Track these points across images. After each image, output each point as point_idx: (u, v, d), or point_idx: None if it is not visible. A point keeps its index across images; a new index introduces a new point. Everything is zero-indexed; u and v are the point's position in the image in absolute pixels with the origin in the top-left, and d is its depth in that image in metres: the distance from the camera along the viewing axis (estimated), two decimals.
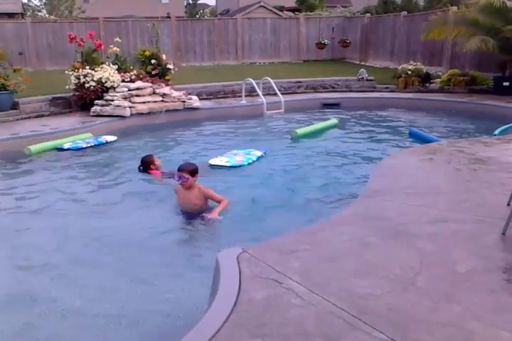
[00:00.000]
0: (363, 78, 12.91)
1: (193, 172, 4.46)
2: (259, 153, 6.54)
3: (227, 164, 6.06)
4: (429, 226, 3.39)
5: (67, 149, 7.18)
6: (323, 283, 2.57)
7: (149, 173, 5.82)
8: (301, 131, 8.14)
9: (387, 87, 12.53)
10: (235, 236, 4.07)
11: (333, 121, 9.04)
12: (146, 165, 5.81)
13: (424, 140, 7.07)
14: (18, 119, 8.76)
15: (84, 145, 7.35)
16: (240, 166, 6.05)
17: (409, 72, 12.10)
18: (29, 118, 8.93)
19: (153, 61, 10.53)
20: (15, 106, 8.96)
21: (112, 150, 7.40)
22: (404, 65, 12.54)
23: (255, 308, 2.33)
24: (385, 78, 12.90)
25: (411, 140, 7.68)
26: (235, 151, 6.62)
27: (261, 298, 2.41)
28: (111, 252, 3.91)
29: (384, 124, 9.33)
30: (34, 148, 6.97)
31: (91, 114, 9.12)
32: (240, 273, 2.63)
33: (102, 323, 2.90)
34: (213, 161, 6.12)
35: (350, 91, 12.69)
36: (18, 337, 2.85)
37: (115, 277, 3.48)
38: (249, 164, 6.15)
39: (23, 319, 2.98)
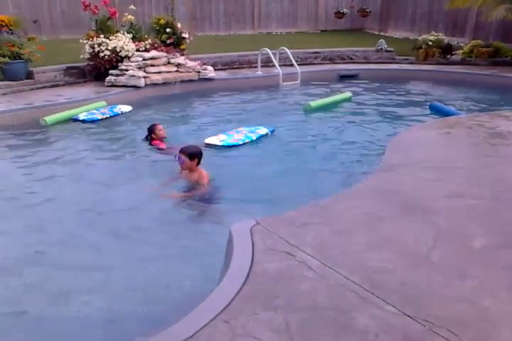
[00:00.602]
0: (382, 49, 12.57)
1: (192, 155, 4.42)
2: (263, 131, 6.29)
3: (220, 143, 5.87)
4: (445, 201, 3.35)
5: (83, 120, 7.17)
6: (336, 256, 2.57)
7: (151, 144, 5.91)
8: (314, 103, 8.01)
9: (406, 59, 12.19)
10: (248, 210, 4.06)
11: (348, 94, 8.87)
12: (149, 134, 5.96)
13: (445, 114, 6.90)
14: (33, 89, 8.74)
15: (100, 117, 7.32)
16: (233, 146, 5.84)
17: (430, 43, 11.72)
18: (44, 87, 8.91)
19: (168, 30, 10.34)
20: (30, 75, 8.92)
21: (126, 121, 7.38)
22: (425, 36, 12.12)
23: (268, 281, 2.34)
24: (404, 49, 12.54)
25: (431, 113, 7.51)
26: (241, 128, 6.41)
27: (274, 270, 2.42)
28: (119, 222, 3.94)
29: (402, 97, 9.13)
30: (50, 118, 6.96)
31: (105, 84, 9.06)
32: (252, 246, 2.64)
33: (111, 295, 2.97)
34: (208, 140, 5.95)
35: (369, 62, 12.37)
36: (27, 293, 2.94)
37: (122, 247, 3.53)
38: (244, 144, 5.90)
39: (32, 279, 3.07)
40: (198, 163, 4.48)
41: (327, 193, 4.01)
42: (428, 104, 7.95)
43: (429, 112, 7.65)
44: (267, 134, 6.29)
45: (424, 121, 6.79)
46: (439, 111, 7.28)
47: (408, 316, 2.09)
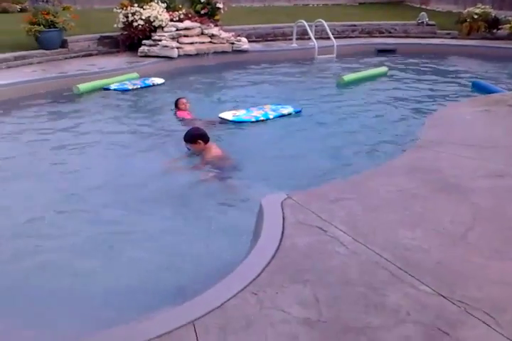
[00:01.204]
0: (423, 23, 12.08)
1: (192, 139, 4.43)
2: (286, 111, 5.99)
3: (231, 118, 5.69)
4: (484, 180, 3.20)
5: (114, 90, 7.20)
6: (369, 233, 2.49)
7: (176, 115, 5.94)
8: (348, 77, 7.79)
9: (448, 33, 11.69)
10: (276, 184, 3.98)
11: (383, 68, 8.59)
12: (175, 106, 6.02)
13: (489, 93, 6.58)
14: (66, 58, 8.80)
15: (131, 87, 7.35)
16: (243, 122, 5.63)
17: (476, 17, 11.17)
18: (77, 57, 8.96)
19: (202, 0, 10.17)
20: (64, 44, 8.98)
21: (156, 92, 7.38)
22: (470, 9, 11.55)
23: (298, 254, 2.30)
24: (447, 23, 12.02)
25: (473, 91, 7.19)
26: (267, 106, 6.16)
27: (304, 244, 2.37)
28: (141, 193, 3.95)
29: (442, 73, 8.77)
30: (83, 87, 7.04)
31: (138, 54, 9.04)
32: (283, 219, 2.59)
33: (137, 265, 2.99)
34: (222, 114, 5.80)
35: (408, 36, 11.95)
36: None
37: (152, 216, 3.54)
38: (257, 121, 5.67)
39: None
40: (206, 142, 4.44)
41: (360, 169, 3.91)
42: (470, 81, 7.61)
43: (470, 90, 7.32)
44: (289, 114, 6.00)
45: (464, 98, 6.51)
46: (482, 90, 6.94)
47: (443, 296, 2.02)
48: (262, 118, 5.77)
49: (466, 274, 2.19)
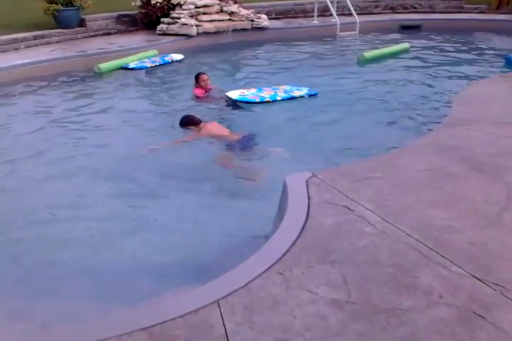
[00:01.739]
0: None
1: (184, 125, 4.60)
2: (298, 93, 5.66)
3: (235, 97, 5.49)
4: None
5: (132, 68, 7.12)
6: (398, 212, 2.40)
7: (194, 92, 5.80)
8: (369, 54, 7.55)
9: (476, 8, 11.22)
10: (298, 162, 3.90)
11: (405, 44, 8.30)
12: (195, 81, 5.85)
13: None
14: (85, 37, 8.73)
15: (149, 65, 7.26)
16: (247, 102, 5.43)
17: None
18: (96, 36, 8.88)
19: None
20: (82, 23, 8.89)
21: (174, 70, 7.28)
22: None
23: (324, 234, 2.22)
24: None
25: (506, 67, 6.89)
26: (282, 86, 5.86)
27: (330, 224, 2.29)
28: (164, 174, 3.88)
29: (470, 49, 8.43)
30: (104, 66, 6.97)
31: (157, 32, 8.92)
32: (308, 198, 2.51)
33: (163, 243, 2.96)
34: (229, 93, 5.59)
35: (434, 12, 11.51)
36: None
37: (173, 197, 3.49)
38: (262, 102, 5.44)
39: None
40: (197, 124, 4.53)
41: (387, 148, 3.78)
42: (503, 55, 7.28)
43: (501, 66, 7.03)
44: (301, 97, 5.68)
45: (495, 75, 6.24)
46: None
47: (477, 278, 1.93)
48: (268, 99, 5.54)
49: (501, 255, 2.09)
